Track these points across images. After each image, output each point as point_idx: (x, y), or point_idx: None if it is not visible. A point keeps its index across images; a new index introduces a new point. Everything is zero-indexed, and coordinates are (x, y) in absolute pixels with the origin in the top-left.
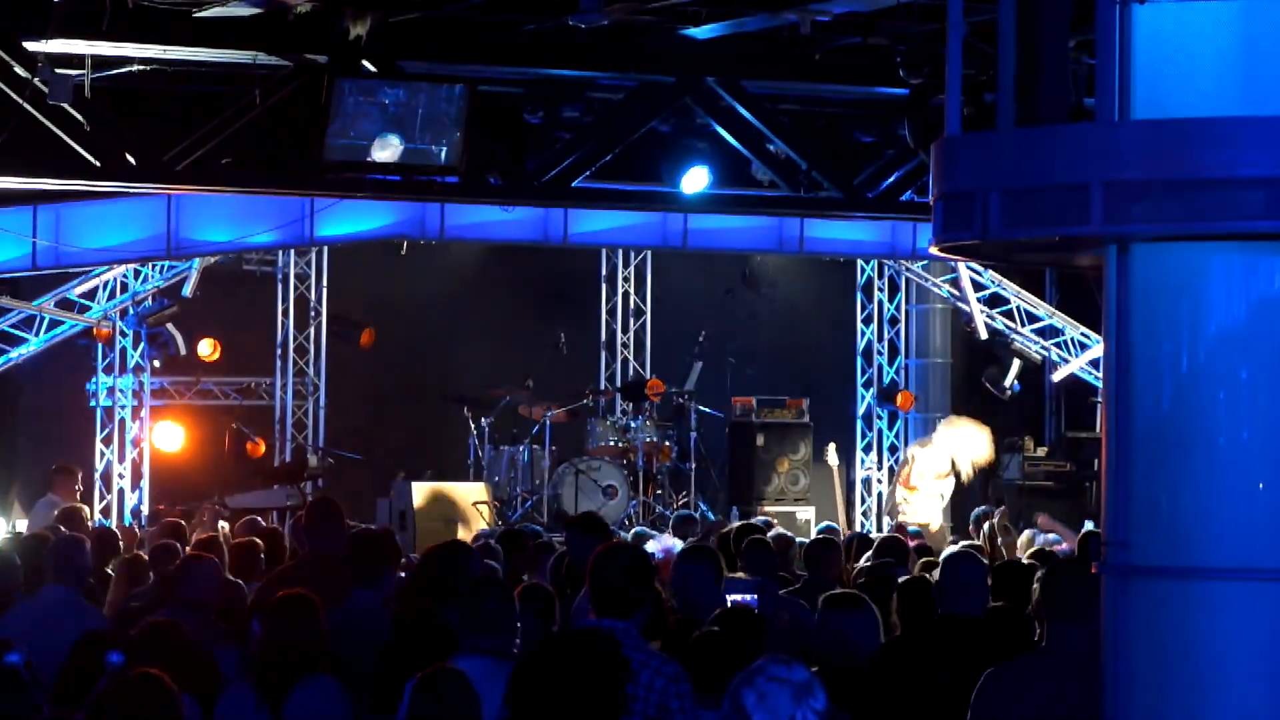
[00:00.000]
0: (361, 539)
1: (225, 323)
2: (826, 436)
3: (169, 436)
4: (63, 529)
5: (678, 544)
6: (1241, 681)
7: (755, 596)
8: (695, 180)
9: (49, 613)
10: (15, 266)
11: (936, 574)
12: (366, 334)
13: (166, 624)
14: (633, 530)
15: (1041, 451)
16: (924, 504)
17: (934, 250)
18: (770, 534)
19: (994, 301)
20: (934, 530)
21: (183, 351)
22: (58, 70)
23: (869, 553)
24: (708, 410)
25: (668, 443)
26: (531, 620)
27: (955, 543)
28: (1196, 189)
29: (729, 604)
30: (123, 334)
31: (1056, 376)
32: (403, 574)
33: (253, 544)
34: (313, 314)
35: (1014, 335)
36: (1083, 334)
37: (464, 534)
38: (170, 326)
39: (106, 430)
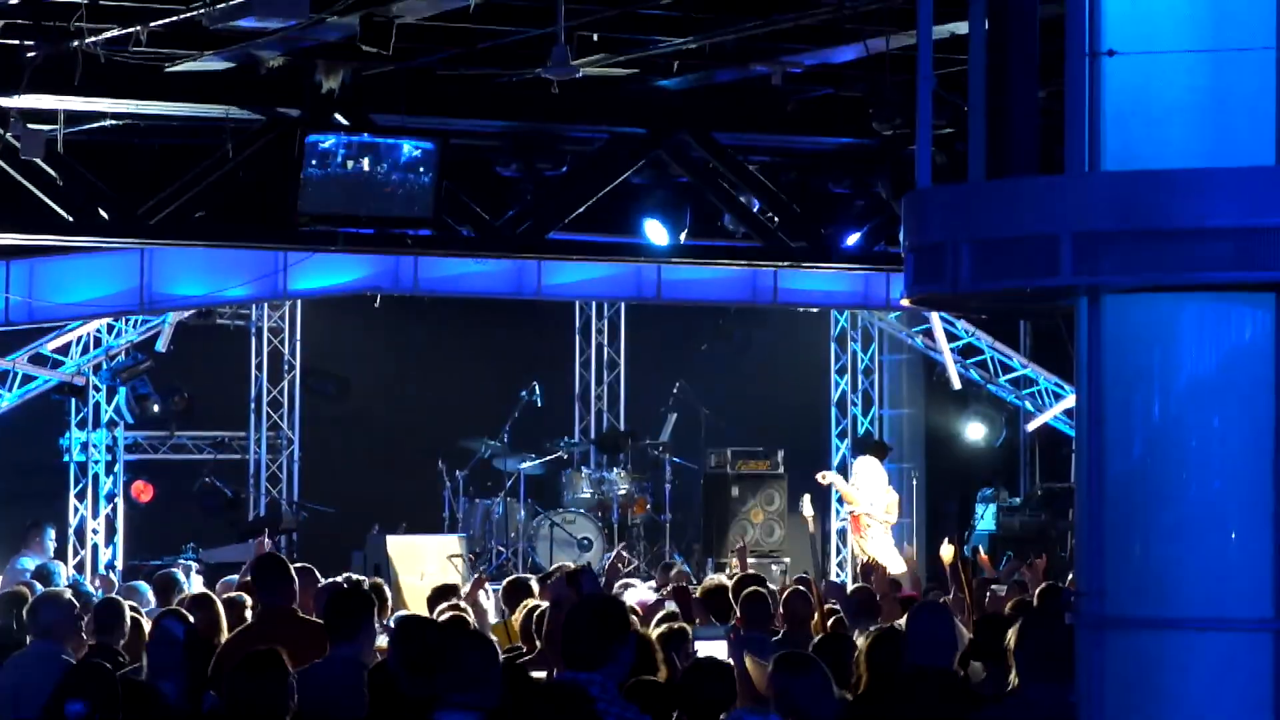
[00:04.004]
0: (338, 596)
1: (199, 376)
2: (801, 488)
3: (142, 492)
4: (37, 585)
5: (652, 596)
6: None
7: (725, 643)
8: (654, 233)
9: (35, 666)
10: None
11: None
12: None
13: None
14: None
15: (1016, 501)
16: (880, 549)
17: (906, 302)
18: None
19: (968, 352)
20: (898, 572)
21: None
22: (30, 125)
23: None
24: (682, 462)
25: (642, 495)
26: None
27: (930, 592)
28: (1166, 240)
29: (698, 654)
30: (96, 389)
31: (1031, 427)
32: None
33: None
34: (286, 367)
35: (988, 386)
36: (1056, 384)
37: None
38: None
39: (80, 485)
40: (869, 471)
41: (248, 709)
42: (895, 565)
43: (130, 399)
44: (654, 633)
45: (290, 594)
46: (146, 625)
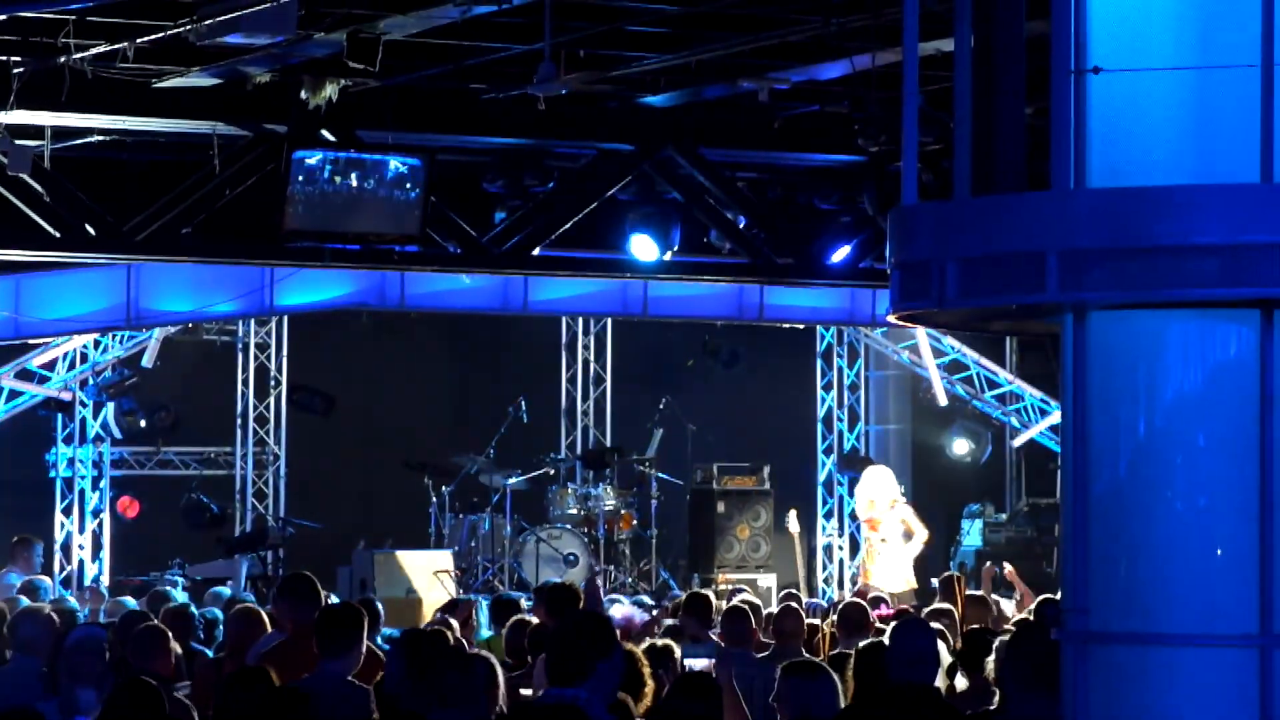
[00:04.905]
0: (328, 612)
1: (185, 392)
2: (787, 503)
3: (128, 507)
4: (23, 600)
5: (637, 611)
6: None
7: (713, 661)
8: (642, 248)
9: (13, 681)
10: None
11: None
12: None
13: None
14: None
15: (1002, 517)
16: (891, 566)
17: (892, 318)
18: (735, 600)
19: (954, 368)
20: (903, 591)
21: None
22: (17, 141)
23: (833, 617)
24: (668, 477)
25: (628, 510)
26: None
27: (918, 609)
28: (1152, 256)
29: (686, 669)
30: (82, 404)
31: (1017, 442)
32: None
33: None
34: (273, 383)
35: (973, 401)
36: (1042, 400)
37: (425, 603)
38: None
39: (67, 501)
40: (869, 482)
41: None
42: (893, 583)
43: (118, 415)
44: (640, 648)
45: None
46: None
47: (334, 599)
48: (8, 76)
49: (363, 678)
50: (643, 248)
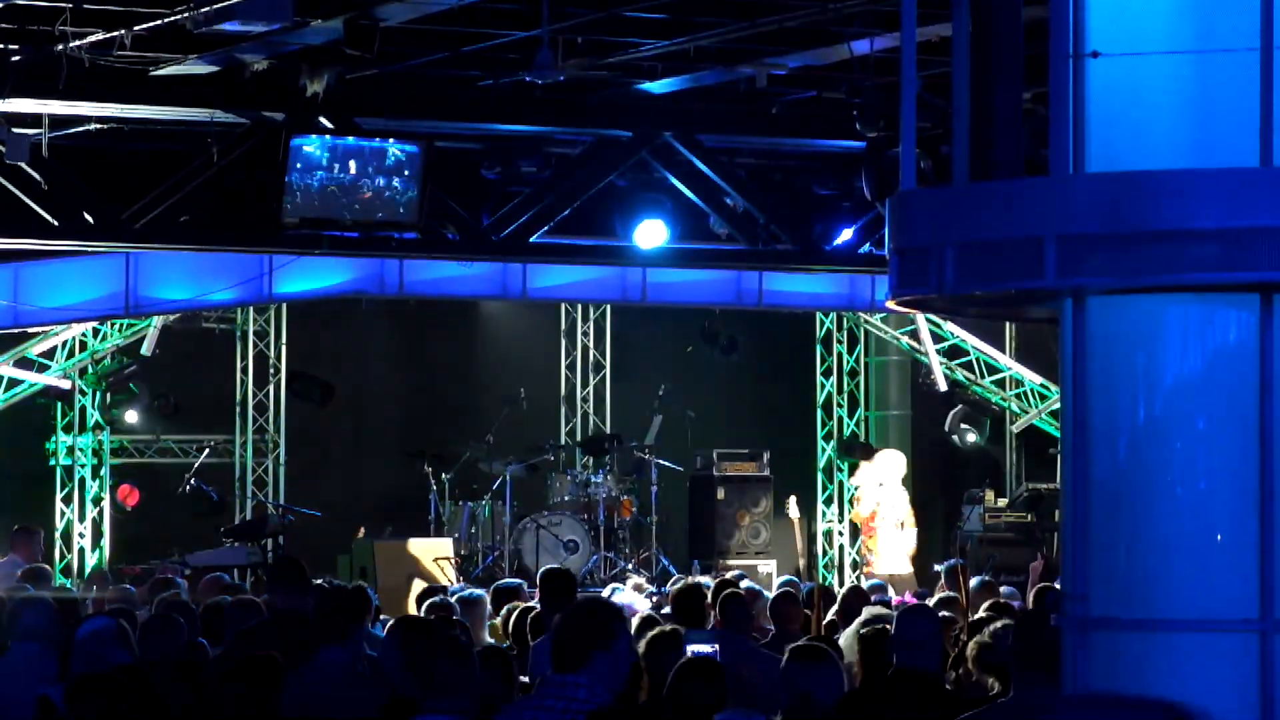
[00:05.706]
0: (330, 595)
1: (184, 380)
2: (787, 489)
3: (128, 496)
4: (30, 588)
5: (637, 599)
6: None
7: (716, 647)
8: (650, 233)
9: (18, 669)
10: None
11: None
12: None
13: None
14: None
15: (1001, 503)
16: (890, 552)
17: (891, 304)
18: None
19: (953, 353)
20: (905, 576)
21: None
22: (15, 130)
23: (834, 606)
24: (668, 464)
25: (628, 497)
26: (493, 682)
27: (923, 596)
28: (1151, 241)
29: (690, 654)
30: (81, 393)
31: (1016, 427)
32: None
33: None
34: (272, 371)
35: (973, 387)
36: (1042, 385)
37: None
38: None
39: (66, 489)
40: (886, 466)
41: (235, 713)
42: (897, 566)
43: (104, 408)
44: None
45: (303, 600)
46: None
47: None
48: (5, 65)
49: None
50: (652, 232)
